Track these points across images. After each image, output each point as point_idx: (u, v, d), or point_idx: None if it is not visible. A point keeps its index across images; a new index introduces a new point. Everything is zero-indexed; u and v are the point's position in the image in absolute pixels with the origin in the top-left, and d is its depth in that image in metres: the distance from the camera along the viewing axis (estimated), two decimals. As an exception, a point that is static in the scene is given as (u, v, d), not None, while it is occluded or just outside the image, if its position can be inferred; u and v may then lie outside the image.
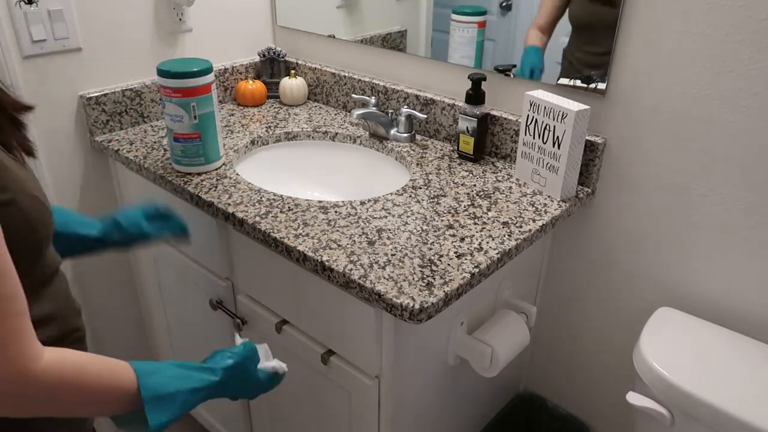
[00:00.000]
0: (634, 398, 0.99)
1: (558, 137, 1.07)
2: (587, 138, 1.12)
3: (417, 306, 0.81)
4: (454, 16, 1.26)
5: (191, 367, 0.72)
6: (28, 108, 0.65)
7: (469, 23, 1.25)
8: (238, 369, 0.77)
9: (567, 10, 1.11)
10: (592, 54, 1.09)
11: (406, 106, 1.38)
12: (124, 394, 0.64)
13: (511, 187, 1.16)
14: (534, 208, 1.08)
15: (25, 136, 0.68)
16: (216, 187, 1.14)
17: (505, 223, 1.02)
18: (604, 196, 1.17)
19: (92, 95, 1.34)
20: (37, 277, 0.68)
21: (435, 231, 0.99)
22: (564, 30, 1.12)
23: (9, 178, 0.61)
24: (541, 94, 1.10)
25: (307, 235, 0.98)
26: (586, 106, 1.04)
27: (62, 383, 0.59)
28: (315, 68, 1.59)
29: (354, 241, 0.96)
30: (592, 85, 1.10)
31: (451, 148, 1.33)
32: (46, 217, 0.67)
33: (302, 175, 1.40)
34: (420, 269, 0.89)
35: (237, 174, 1.19)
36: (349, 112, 1.55)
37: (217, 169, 1.21)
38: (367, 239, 0.97)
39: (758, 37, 0.90)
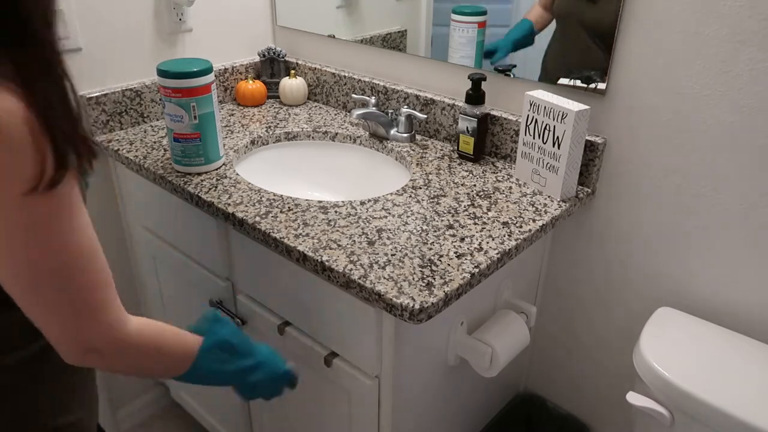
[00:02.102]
0: (634, 398, 0.99)
1: (558, 137, 1.07)
2: (587, 138, 1.12)
3: (417, 306, 0.81)
4: (454, 16, 1.26)
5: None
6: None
7: (469, 23, 1.25)
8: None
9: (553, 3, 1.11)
10: (579, 51, 1.09)
11: (406, 106, 1.38)
12: (187, 359, 0.75)
13: (511, 187, 1.16)
14: (534, 208, 1.08)
15: None
16: (216, 187, 1.14)
17: (505, 223, 1.02)
18: (604, 196, 1.17)
19: (92, 95, 1.34)
20: None
21: (435, 231, 0.99)
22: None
23: None
24: (541, 94, 1.10)
25: (307, 235, 0.98)
26: (586, 106, 1.04)
27: (145, 345, 0.69)
28: (315, 68, 1.59)
29: (354, 241, 0.96)
30: (592, 85, 1.11)
31: (451, 148, 1.33)
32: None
33: (302, 175, 1.40)
34: (420, 269, 0.89)
35: (237, 174, 1.19)
36: (349, 112, 1.55)
37: (217, 169, 1.21)
38: (367, 239, 0.97)
39: (758, 37, 0.90)
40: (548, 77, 1.16)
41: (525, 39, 1.18)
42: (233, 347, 0.79)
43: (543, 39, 1.15)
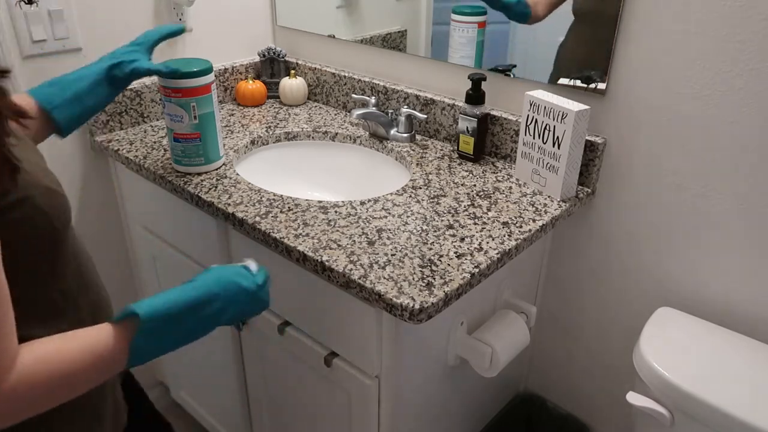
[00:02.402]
0: (634, 398, 0.99)
1: (558, 137, 1.07)
2: (587, 138, 1.12)
3: (417, 306, 0.81)
4: (454, 16, 1.26)
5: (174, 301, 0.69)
6: (4, 72, 0.61)
7: (469, 23, 1.25)
8: (223, 276, 0.74)
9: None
10: (590, 50, 1.09)
11: (406, 106, 1.38)
12: (114, 362, 0.63)
13: (511, 187, 1.16)
14: (534, 208, 1.08)
15: (9, 101, 0.64)
16: (216, 187, 1.14)
17: (505, 223, 1.02)
18: (604, 196, 1.17)
19: (92, 95, 1.34)
20: (60, 260, 0.70)
21: (435, 231, 0.99)
22: (559, 27, 1.12)
23: (22, 176, 0.61)
24: (541, 94, 1.10)
25: (307, 235, 0.98)
26: (586, 106, 1.04)
27: (38, 391, 0.58)
28: (315, 68, 1.59)
29: (354, 241, 0.96)
30: (592, 85, 1.10)
31: (451, 148, 1.33)
32: (64, 205, 0.69)
33: (302, 175, 1.40)
34: (420, 269, 0.89)
35: (237, 174, 1.19)
36: (349, 112, 1.55)
37: (217, 170, 1.21)
38: (367, 239, 0.97)
39: (758, 37, 0.90)
40: (560, 76, 1.16)
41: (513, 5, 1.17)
42: (172, 318, 0.68)
43: (551, 35, 1.15)
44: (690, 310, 1.11)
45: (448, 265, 0.90)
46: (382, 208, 1.07)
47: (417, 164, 1.25)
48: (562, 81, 1.15)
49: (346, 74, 1.52)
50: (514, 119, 1.22)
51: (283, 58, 1.62)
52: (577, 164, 1.10)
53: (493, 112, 1.25)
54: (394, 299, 0.82)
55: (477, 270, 0.89)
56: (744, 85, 0.94)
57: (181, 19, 1.46)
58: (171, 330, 0.68)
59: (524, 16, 1.16)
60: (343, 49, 1.54)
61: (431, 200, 1.10)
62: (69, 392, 0.62)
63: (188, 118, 1.12)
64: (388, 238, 0.97)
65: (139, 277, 1.56)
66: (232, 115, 1.52)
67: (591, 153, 1.13)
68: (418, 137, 1.38)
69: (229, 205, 1.07)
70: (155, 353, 0.67)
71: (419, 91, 1.39)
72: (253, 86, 1.57)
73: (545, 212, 1.07)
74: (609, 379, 1.30)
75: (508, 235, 0.99)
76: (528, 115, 1.12)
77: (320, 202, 1.08)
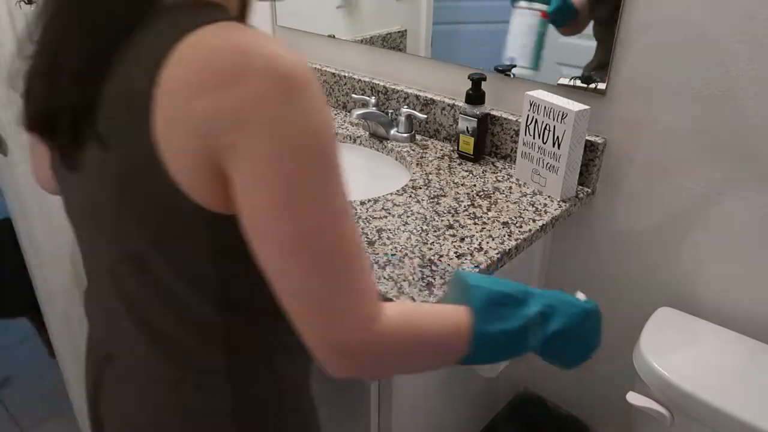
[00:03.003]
0: (634, 398, 0.99)
1: (558, 137, 1.07)
2: (587, 138, 1.12)
3: (417, 306, 0.81)
4: (518, 3, 1.15)
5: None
6: None
7: (530, 10, 1.13)
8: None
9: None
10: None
11: (406, 106, 1.38)
12: (461, 337, 0.57)
13: (511, 187, 1.16)
14: (534, 208, 1.08)
15: None
16: (216, 187, 1.14)
17: (505, 223, 1.02)
18: (604, 196, 1.17)
19: (92, 95, 1.34)
20: None
21: (435, 231, 0.99)
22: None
23: None
24: (541, 94, 1.10)
25: (307, 235, 0.98)
26: (586, 106, 1.04)
27: (402, 342, 0.54)
28: (315, 68, 1.59)
29: (354, 241, 0.96)
30: (592, 85, 1.10)
31: (451, 148, 1.33)
32: None
33: (302, 175, 1.40)
34: (420, 269, 0.89)
35: (237, 174, 1.19)
36: (349, 112, 1.55)
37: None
38: (367, 239, 0.97)
39: (758, 38, 0.90)
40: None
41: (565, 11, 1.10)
42: (506, 295, 0.59)
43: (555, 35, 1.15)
44: (690, 310, 1.11)
45: (448, 265, 0.90)
46: (382, 208, 1.07)
47: (417, 164, 1.25)
48: (562, 81, 1.15)
49: (346, 74, 1.52)
50: (514, 119, 1.22)
51: (283, 58, 1.62)
52: (577, 164, 1.10)
53: (493, 112, 1.25)
54: (394, 299, 0.82)
55: (477, 270, 0.89)
56: (744, 86, 0.94)
57: (181, 19, 1.46)
58: (500, 317, 0.59)
59: (569, 12, 1.10)
60: (343, 49, 1.54)
61: (431, 200, 1.10)
62: (422, 359, 0.58)
63: None
64: (388, 238, 0.97)
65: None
66: (232, 115, 1.52)
67: (591, 153, 1.13)
68: (418, 137, 1.38)
69: (229, 205, 1.07)
70: (491, 348, 0.58)
71: (419, 91, 1.39)
72: (253, 86, 1.57)
73: (545, 212, 1.07)
74: (609, 379, 1.30)
75: (508, 235, 0.99)
76: (528, 115, 1.12)
77: (320, 202, 1.08)
